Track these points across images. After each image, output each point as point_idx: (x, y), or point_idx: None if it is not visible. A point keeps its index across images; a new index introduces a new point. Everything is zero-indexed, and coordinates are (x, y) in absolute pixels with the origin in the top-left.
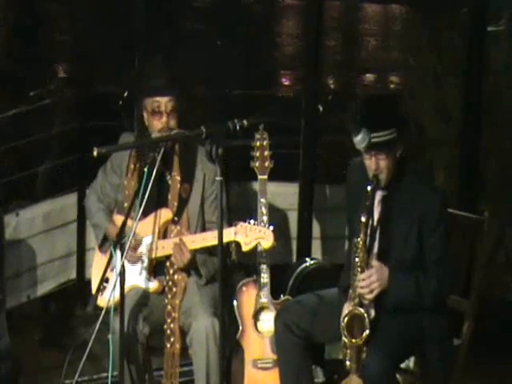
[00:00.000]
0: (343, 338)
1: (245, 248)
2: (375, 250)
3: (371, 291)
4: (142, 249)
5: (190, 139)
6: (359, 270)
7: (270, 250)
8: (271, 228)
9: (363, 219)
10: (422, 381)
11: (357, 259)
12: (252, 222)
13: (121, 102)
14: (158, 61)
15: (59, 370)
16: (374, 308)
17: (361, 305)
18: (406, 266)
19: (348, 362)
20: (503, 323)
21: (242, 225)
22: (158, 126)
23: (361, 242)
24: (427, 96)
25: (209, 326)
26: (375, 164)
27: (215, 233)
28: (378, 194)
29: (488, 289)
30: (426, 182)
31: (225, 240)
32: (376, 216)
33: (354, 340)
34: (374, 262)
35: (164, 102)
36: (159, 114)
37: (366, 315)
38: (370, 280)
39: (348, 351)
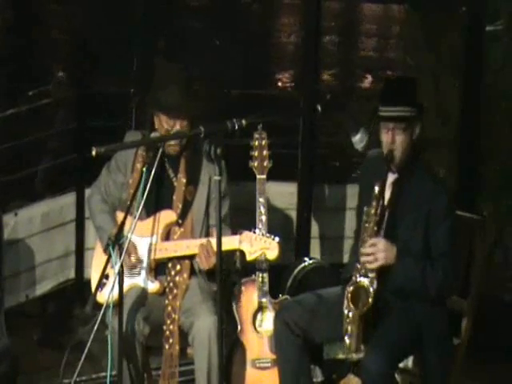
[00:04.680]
0: (345, 311)
1: (249, 257)
2: (382, 233)
3: (375, 260)
4: (141, 252)
5: (189, 138)
6: (368, 239)
7: (274, 261)
8: (277, 239)
9: (377, 189)
10: (420, 380)
11: (366, 225)
12: (257, 231)
13: (120, 102)
14: (174, 73)
15: (58, 369)
16: (378, 286)
17: (366, 276)
18: (412, 254)
19: (348, 340)
20: (502, 323)
21: (246, 234)
22: (170, 141)
23: (372, 211)
24: (426, 96)
25: (211, 325)
26: (391, 138)
27: (229, 238)
28: (391, 177)
29: (487, 288)
30: (436, 177)
31: (229, 248)
32: (386, 197)
33: (356, 310)
34: (382, 239)
35: (179, 123)
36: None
37: (370, 288)
38: (376, 247)
39: (349, 326)
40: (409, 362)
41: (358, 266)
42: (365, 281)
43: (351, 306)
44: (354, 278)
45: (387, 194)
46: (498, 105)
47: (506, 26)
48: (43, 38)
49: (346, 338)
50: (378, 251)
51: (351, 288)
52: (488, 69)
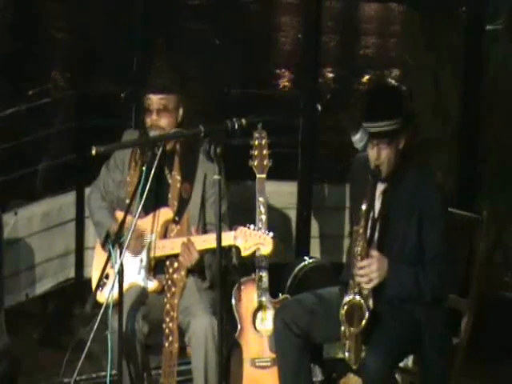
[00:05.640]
0: (342, 328)
1: (244, 253)
2: (375, 242)
3: (370, 280)
4: (144, 243)
5: (189, 138)
6: (359, 258)
7: (269, 257)
8: (271, 234)
9: (364, 207)
10: (420, 380)
11: (357, 247)
12: (252, 226)
13: (121, 101)
14: (162, 61)
15: (58, 368)
16: (372, 299)
17: (360, 294)
18: (406, 259)
19: (347, 354)
20: (502, 322)
21: (241, 229)
22: (148, 123)
23: (361, 230)
24: (426, 95)
25: (208, 324)
26: (376, 153)
27: (224, 234)
28: (380, 186)
29: (486, 288)
30: (427, 178)
31: (225, 244)
32: (377, 207)
33: (352, 328)
34: (374, 252)
35: (155, 99)
36: (150, 112)
37: (364, 304)
38: (369, 269)
39: (347, 342)
40: (409, 361)
41: (352, 284)
42: (359, 299)
43: (347, 325)
44: (347, 295)
45: (377, 204)
46: (498, 105)
47: (506, 25)
48: (43, 37)
49: (345, 353)
50: (371, 272)
51: (345, 307)
52: (488, 68)
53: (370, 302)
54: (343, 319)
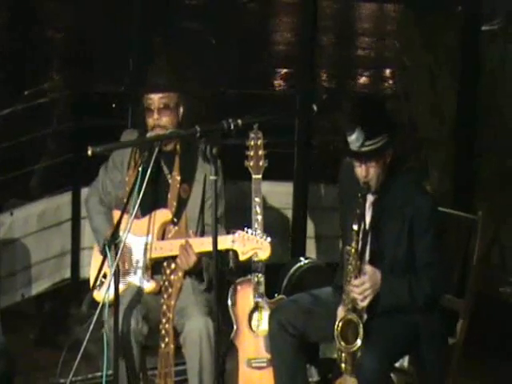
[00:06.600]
0: (337, 344)
1: (242, 257)
2: (367, 253)
3: (364, 298)
4: (137, 251)
5: (184, 138)
6: (352, 276)
7: (266, 261)
8: (269, 239)
9: (355, 227)
10: (416, 380)
11: (349, 266)
12: (249, 231)
13: (116, 102)
14: (160, 60)
15: (54, 368)
16: (366, 312)
17: (354, 310)
18: (398, 268)
19: (343, 365)
20: (498, 322)
21: (239, 233)
22: (150, 123)
23: (353, 250)
24: (422, 95)
25: (202, 326)
26: (365, 172)
27: (223, 238)
28: (369, 198)
29: (482, 288)
30: (416, 185)
31: (222, 247)
32: (368, 219)
33: (347, 346)
34: (367, 268)
35: (156, 99)
36: (151, 111)
37: (359, 322)
38: (363, 287)
39: (343, 354)
40: (404, 361)
41: (345, 299)
42: (354, 316)
43: (342, 342)
44: (342, 308)
45: (368, 216)
46: (494, 105)
47: (503, 25)
48: (40, 37)
49: (341, 364)
50: (365, 290)
51: (340, 324)
52: (484, 68)
53: (364, 316)
54: (338, 337)
